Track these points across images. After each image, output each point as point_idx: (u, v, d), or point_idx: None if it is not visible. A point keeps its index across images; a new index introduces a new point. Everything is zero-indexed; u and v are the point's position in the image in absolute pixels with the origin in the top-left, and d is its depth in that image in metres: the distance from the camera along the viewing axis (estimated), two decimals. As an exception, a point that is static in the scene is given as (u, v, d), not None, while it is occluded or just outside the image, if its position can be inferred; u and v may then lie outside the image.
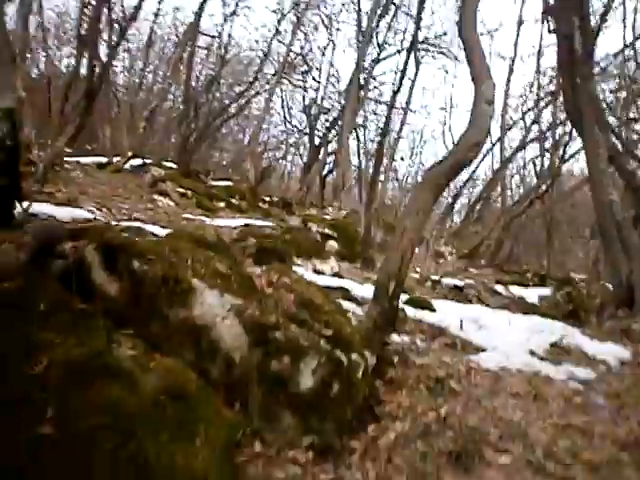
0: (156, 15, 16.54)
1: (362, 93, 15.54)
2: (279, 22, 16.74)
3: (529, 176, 17.77)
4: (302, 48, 18.38)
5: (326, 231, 7.77)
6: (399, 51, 16.93)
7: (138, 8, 10.81)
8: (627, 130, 11.18)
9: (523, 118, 17.04)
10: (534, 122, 16.08)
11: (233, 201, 11.03)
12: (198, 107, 13.85)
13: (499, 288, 7.90)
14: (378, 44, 16.90)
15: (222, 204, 10.51)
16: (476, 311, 4.96)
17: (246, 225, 7.14)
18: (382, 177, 16.69)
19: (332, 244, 7.53)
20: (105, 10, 10.08)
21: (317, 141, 19.38)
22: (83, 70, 10.09)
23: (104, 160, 11.51)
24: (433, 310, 4.77)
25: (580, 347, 4.14)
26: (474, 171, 17.78)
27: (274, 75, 17.15)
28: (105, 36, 11.45)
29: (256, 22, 27.44)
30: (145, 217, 6.61)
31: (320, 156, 18.74)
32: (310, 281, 3.39)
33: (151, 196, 9.06)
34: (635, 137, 11.63)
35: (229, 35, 16.48)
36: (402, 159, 20.36)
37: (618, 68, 12.41)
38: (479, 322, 4.47)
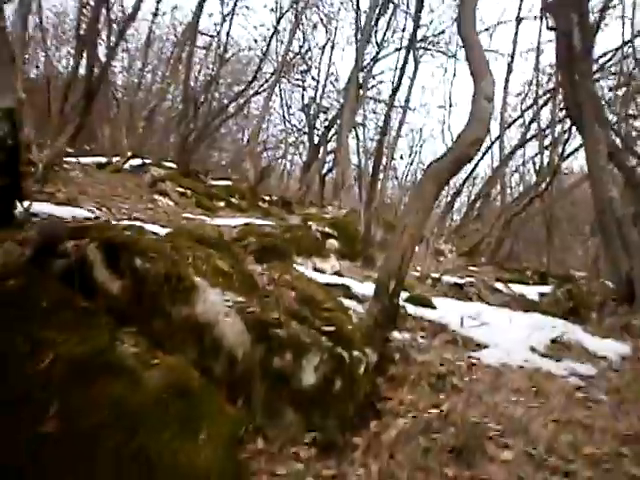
0: (154, 15, 16.52)
1: (361, 92, 15.53)
2: (278, 21, 16.76)
3: (528, 174, 17.79)
4: (301, 47, 18.41)
5: (326, 230, 7.77)
6: (398, 49, 16.94)
7: (137, 8, 10.81)
8: (627, 127, 11.20)
9: (522, 116, 17.06)
10: (533, 120, 16.08)
11: (233, 200, 11.02)
12: (197, 107, 13.84)
13: (499, 286, 7.89)
14: (377, 43, 16.93)
15: (222, 203, 10.50)
16: (477, 308, 4.97)
17: (246, 224, 7.13)
18: (381, 176, 16.71)
19: (332, 243, 7.53)
20: (104, 10, 10.07)
21: (316, 140, 19.40)
22: (82, 70, 10.12)
23: (103, 160, 11.50)
24: (434, 307, 4.78)
25: (581, 343, 4.15)
26: (473, 169, 17.77)
27: (273, 74, 17.14)
28: (104, 36, 11.48)
29: (255, 21, 27.57)
30: (145, 217, 6.61)
31: (319, 155, 18.75)
32: (311, 278, 3.40)
33: (151, 196, 9.05)
34: (635, 134, 11.64)
35: (228, 34, 16.46)
36: (401, 158, 20.36)
37: (617, 65, 12.41)
38: (480, 319, 4.48)
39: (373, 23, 15.79)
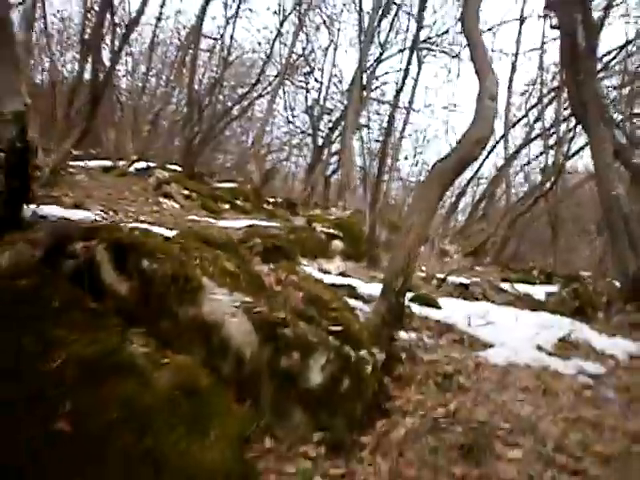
0: (158, 19, 16.58)
1: (365, 93, 15.53)
2: (281, 24, 16.77)
3: (533, 173, 17.71)
4: (304, 49, 18.41)
5: (331, 231, 7.77)
6: (401, 50, 16.93)
7: (140, 12, 10.84)
8: (631, 125, 11.15)
9: (526, 115, 17.00)
10: (537, 119, 16.03)
11: (238, 202, 11.05)
12: (201, 110, 13.89)
13: (505, 286, 7.87)
14: (380, 44, 16.90)
15: (227, 206, 10.53)
16: (483, 308, 4.95)
17: (251, 226, 7.15)
18: (386, 177, 16.71)
19: (337, 243, 7.54)
20: (108, 15, 10.12)
21: (320, 142, 19.40)
22: (87, 75, 10.17)
23: (109, 164, 11.57)
24: (439, 307, 4.77)
25: (588, 342, 4.13)
26: (478, 169, 17.72)
27: (276, 77, 17.19)
28: (108, 40, 11.55)
29: (258, 24, 27.53)
30: (151, 219, 6.63)
31: (323, 157, 18.77)
32: (317, 279, 3.41)
33: (156, 198, 9.10)
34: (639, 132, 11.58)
35: (231, 37, 16.49)
36: (406, 158, 20.33)
37: (621, 63, 12.37)
38: (486, 318, 4.47)
39: (376, 24, 15.79)
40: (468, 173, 17.00)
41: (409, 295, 4.39)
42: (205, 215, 8.74)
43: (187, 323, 2.31)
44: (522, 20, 15.93)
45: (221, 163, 22.78)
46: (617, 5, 10.97)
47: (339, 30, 18.94)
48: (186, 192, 9.84)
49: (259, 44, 17.92)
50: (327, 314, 2.72)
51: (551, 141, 15.03)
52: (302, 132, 20.90)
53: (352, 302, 3.72)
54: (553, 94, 15.15)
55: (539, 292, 7.51)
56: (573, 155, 14.94)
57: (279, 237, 6.27)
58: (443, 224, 15.22)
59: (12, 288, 2.05)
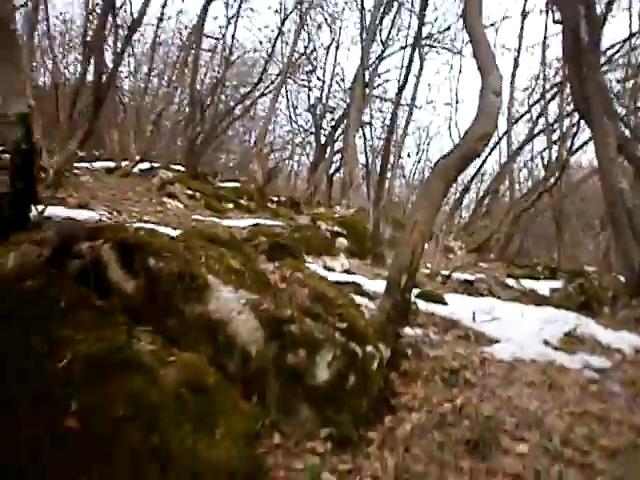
0: (160, 19, 16.65)
1: (367, 91, 15.52)
2: (282, 22, 16.79)
3: (537, 169, 17.68)
4: (306, 48, 18.44)
5: (335, 229, 7.78)
6: (403, 48, 16.93)
7: (142, 14, 10.87)
8: (636, 119, 11.09)
9: (529, 111, 16.96)
10: (540, 115, 15.98)
11: (241, 202, 11.08)
12: (204, 110, 13.92)
13: (510, 282, 7.86)
14: (382, 41, 16.91)
15: (230, 205, 10.56)
16: (488, 303, 4.95)
17: (255, 225, 7.17)
18: (389, 174, 16.70)
19: (341, 241, 7.55)
20: (110, 17, 10.15)
21: (323, 140, 19.42)
22: (89, 76, 10.21)
23: (112, 165, 11.62)
24: (445, 303, 4.77)
25: (594, 336, 4.12)
26: (482, 166, 17.72)
27: (279, 75, 17.20)
28: (110, 42, 11.59)
29: (259, 23, 27.57)
30: (155, 219, 6.67)
31: (327, 155, 18.77)
32: (322, 276, 3.41)
33: (160, 199, 9.13)
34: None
35: (233, 37, 16.53)
36: (409, 156, 20.35)
37: (625, 57, 12.31)
38: (492, 314, 4.46)
39: (378, 22, 15.79)
40: (472, 170, 17.01)
41: (415, 292, 4.39)
42: (209, 215, 8.77)
43: (193, 321, 2.32)
44: (524, 15, 15.88)
45: (224, 163, 22.85)
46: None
47: (341, 28, 19.00)
48: (190, 192, 9.87)
49: (261, 43, 17.99)
50: (333, 311, 2.72)
51: (554, 136, 15.00)
52: (305, 131, 20.95)
53: (357, 299, 3.72)
54: (556, 89, 15.10)
55: (544, 287, 7.50)
56: (577, 150, 14.94)
57: (284, 235, 6.29)
58: (447, 221, 15.20)
59: (18, 289, 2.07)
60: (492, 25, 15.98)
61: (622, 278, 6.45)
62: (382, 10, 15.74)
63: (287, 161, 23.72)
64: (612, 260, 11.78)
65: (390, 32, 16.91)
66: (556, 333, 4.07)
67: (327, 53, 19.45)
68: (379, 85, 18.56)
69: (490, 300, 5.41)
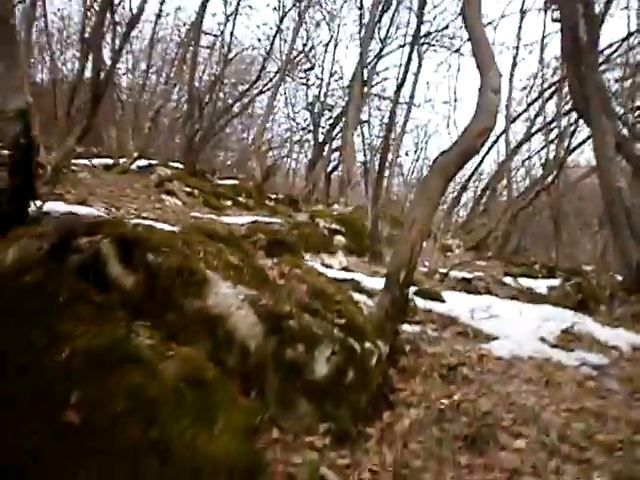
0: (158, 16, 16.59)
1: (365, 89, 15.51)
2: (281, 20, 16.79)
3: (534, 168, 17.70)
4: (304, 45, 18.43)
5: (333, 226, 7.78)
6: (402, 46, 16.93)
7: (141, 10, 10.85)
8: (634, 117, 11.11)
9: (527, 110, 16.99)
10: (538, 114, 16.03)
11: (240, 199, 11.08)
12: (202, 107, 13.91)
13: (508, 280, 7.87)
14: (380, 39, 16.92)
15: (229, 202, 10.56)
16: (486, 301, 4.97)
17: (254, 222, 7.17)
18: (387, 173, 16.71)
19: (340, 239, 7.55)
20: (108, 14, 10.12)
21: (321, 138, 19.41)
22: (87, 73, 10.18)
23: (110, 161, 11.60)
24: (443, 301, 4.79)
25: (591, 334, 4.14)
26: (479, 164, 17.74)
27: (277, 73, 17.18)
28: (108, 39, 11.56)
29: (258, 21, 27.54)
30: (154, 216, 6.66)
31: (325, 153, 18.77)
32: (321, 272, 3.42)
33: (158, 196, 9.12)
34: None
35: (231, 34, 16.52)
36: (407, 154, 20.35)
37: (623, 56, 12.33)
38: (490, 311, 4.48)
39: (376, 20, 15.78)
40: (469, 168, 17.02)
41: (413, 289, 4.40)
42: (207, 212, 8.76)
43: (192, 316, 2.32)
44: (523, 13, 15.90)
45: (222, 160, 22.81)
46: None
47: (339, 26, 18.98)
48: (188, 189, 9.86)
49: (259, 40, 17.96)
50: (331, 307, 2.73)
51: (552, 135, 15.03)
52: (303, 128, 20.93)
53: (356, 296, 3.73)
54: (554, 88, 15.12)
55: (542, 286, 7.51)
56: (574, 149, 14.95)
57: (282, 233, 6.29)
58: (445, 219, 15.22)
59: (17, 283, 2.06)
60: (490, 23, 15.97)
61: (619, 277, 6.48)
62: (381, 8, 15.74)
63: (285, 159, 23.73)
64: (609, 259, 11.81)
65: (389, 30, 16.94)
66: (554, 330, 4.09)
67: (325, 51, 19.45)
68: (377, 83, 18.57)
69: (488, 298, 5.44)
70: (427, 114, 36.63)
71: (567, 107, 13.60)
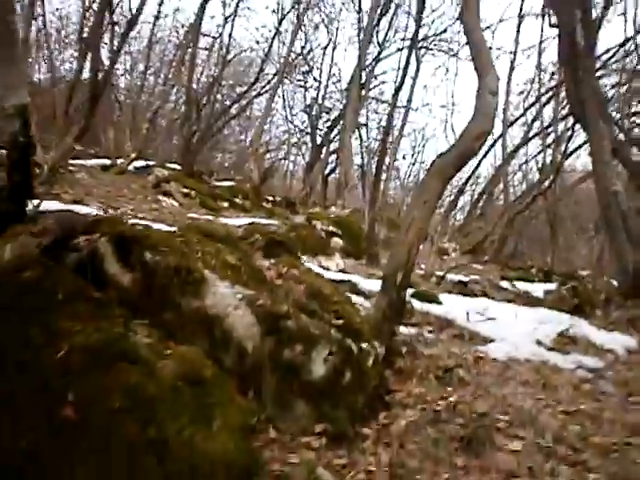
0: (157, 17, 16.58)
1: (363, 92, 15.55)
2: (279, 22, 16.82)
3: (531, 172, 17.77)
4: (303, 48, 18.46)
5: (330, 228, 7.79)
6: (400, 49, 16.98)
7: (139, 11, 10.86)
8: (630, 123, 11.19)
9: (524, 114, 17.06)
10: (535, 118, 16.09)
11: (237, 201, 11.06)
12: (200, 108, 13.90)
13: (504, 284, 7.89)
14: (379, 43, 16.95)
15: (226, 204, 10.53)
16: (483, 304, 4.98)
17: (251, 224, 7.15)
18: (385, 176, 16.72)
19: (337, 241, 7.56)
20: (106, 14, 10.12)
21: (319, 140, 19.41)
22: (85, 73, 10.18)
23: (108, 162, 11.57)
24: (439, 303, 4.79)
25: (587, 337, 4.16)
26: (476, 168, 17.78)
27: (275, 75, 17.20)
28: (107, 39, 11.56)
29: (257, 23, 27.57)
30: (151, 217, 6.64)
31: (322, 155, 18.78)
32: (318, 273, 3.42)
33: (155, 196, 9.10)
34: (637, 130, 11.62)
35: (230, 36, 16.53)
36: (404, 158, 20.37)
37: (619, 62, 12.41)
38: (486, 314, 4.49)
39: (375, 23, 15.82)
40: (466, 172, 17.05)
41: (410, 291, 4.41)
42: (204, 213, 8.75)
43: (190, 315, 2.32)
44: (521, 18, 15.97)
45: (220, 162, 22.79)
46: (616, 3, 11.00)
47: (338, 29, 19.01)
48: (185, 190, 9.84)
49: (257, 43, 17.97)
50: (329, 307, 2.73)
51: (549, 140, 15.09)
52: (301, 131, 20.94)
53: (353, 297, 3.73)
54: (551, 93, 15.20)
55: (538, 290, 7.52)
56: (571, 154, 15.02)
57: (279, 234, 6.28)
58: (442, 222, 15.24)
59: (16, 280, 2.06)
60: (488, 28, 16.04)
61: (615, 282, 6.50)
62: (379, 12, 15.78)
63: (283, 161, 23.69)
64: (606, 264, 11.86)
65: (387, 34, 16.97)
66: (550, 333, 4.11)
67: (324, 54, 19.48)
68: (375, 86, 18.59)
69: (484, 300, 5.44)
70: (425, 118, 36.73)
71: (564, 112, 13.69)
